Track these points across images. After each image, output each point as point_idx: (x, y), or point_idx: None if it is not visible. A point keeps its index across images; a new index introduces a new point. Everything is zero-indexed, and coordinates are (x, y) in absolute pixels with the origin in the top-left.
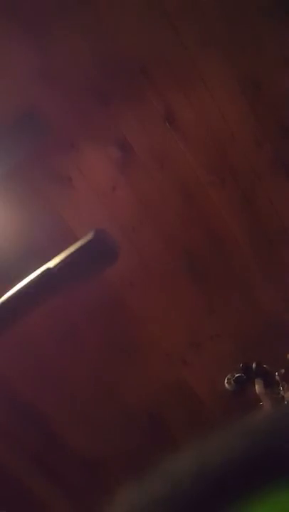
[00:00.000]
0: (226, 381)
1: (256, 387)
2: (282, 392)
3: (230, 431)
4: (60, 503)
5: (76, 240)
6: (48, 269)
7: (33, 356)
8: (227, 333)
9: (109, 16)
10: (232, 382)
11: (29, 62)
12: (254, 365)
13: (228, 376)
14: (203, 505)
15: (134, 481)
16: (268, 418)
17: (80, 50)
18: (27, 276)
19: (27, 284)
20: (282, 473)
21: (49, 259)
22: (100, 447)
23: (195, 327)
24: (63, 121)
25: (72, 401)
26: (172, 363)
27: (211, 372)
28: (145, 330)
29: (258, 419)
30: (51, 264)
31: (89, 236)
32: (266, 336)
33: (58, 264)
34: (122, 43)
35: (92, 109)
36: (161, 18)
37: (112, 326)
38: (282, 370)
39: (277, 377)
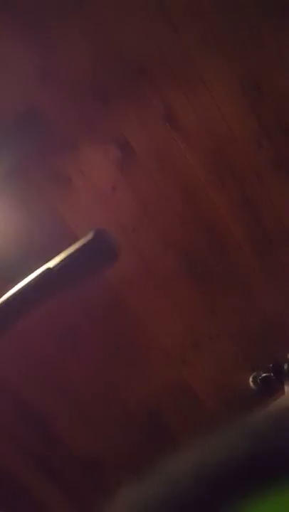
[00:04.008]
0: (250, 379)
1: (286, 388)
2: None
3: (230, 431)
4: (60, 503)
5: (76, 240)
6: (48, 269)
7: (32, 356)
8: (227, 333)
9: (109, 16)
10: (258, 381)
11: (29, 61)
12: (286, 366)
13: (254, 374)
14: (203, 505)
15: (134, 481)
16: (269, 418)
17: (80, 50)
18: (27, 276)
19: (27, 284)
20: (283, 473)
21: (49, 259)
22: (99, 447)
23: (195, 327)
24: (63, 121)
25: (72, 401)
26: (172, 363)
27: (210, 373)
28: (145, 330)
29: (258, 419)
30: (51, 264)
31: (89, 236)
32: (266, 336)
33: (58, 264)
34: (122, 43)
35: (92, 109)
36: (161, 17)
37: (112, 326)
38: None
39: None
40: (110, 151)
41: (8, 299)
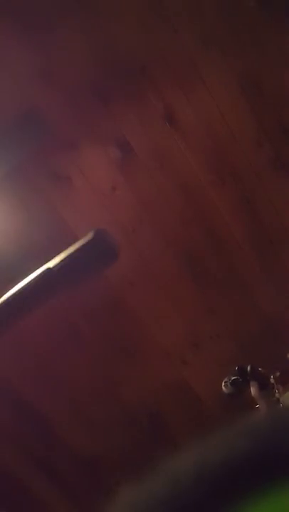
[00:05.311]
0: (222, 384)
1: (251, 389)
2: (277, 395)
3: (230, 431)
4: (60, 503)
5: (76, 240)
6: (48, 269)
7: (33, 356)
8: (227, 333)
9: (109, 16)
10: (228, 385)
11: (29, 62)
12: (249, 368)
13: (225, 379)
14: (203, 505)
15: (134, 481)
16: (268, 418)
17: (80, 50)
18: (27, 276)
19: (27, 284)
20: (283, 473)
21: (49, 259)
22: (100, 447)
23: (195, 327)
24: (63, 121)
25: (72, 401)
26: (172, 363)
27: (210, 373)
28: (145, 330)
29: (258, 418)
30: (51, 264)
31: (89, 236)
32: (266, 336)
33: (58, 264)
34: (122, 43)
35: (92, 109)
36: (161, 18)
37: (112, 326)
38: (278, 373)
39: (272, 380)
40: (110, 151)
41: (8, 299)
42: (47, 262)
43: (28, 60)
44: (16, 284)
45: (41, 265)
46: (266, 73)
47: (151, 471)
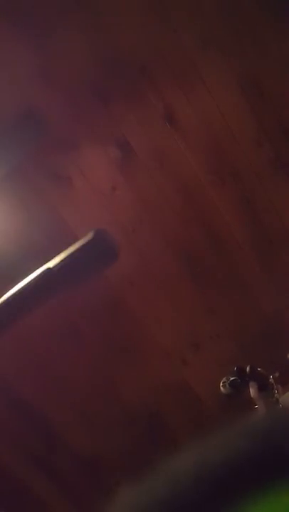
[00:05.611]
0: (221, 385)
1: (250, 390)
2: (276, 395)
3: (230, 431)
4: (60, 503)
5: (76, 240)
6: (48, 269)
7: (33, 356)
8: (227, 333)
9: (109, 16)
10: (227, 385)
11: (29, 62)
12: (248, 369)
13: (224, 380)
14: (203, 505)
15: (134, 481)
16: (268, 418)
17: (80, 50)
18: (27, 276)
19: (27, 284)
20: (282, 473)
21: (49, 259)
22: (99, 447)
23: (195, 327)
24: (63, 121)
25: (72, 401)
26: (172, 363)
27: (210, 373)
28: (145, 330)
29: (257, 419)
30: (51, 264)
31: (89, 236)
32: (266, 336)
33: (58, 264)
34: (122, 43)
35: (92, 109)
36: (161, 18)
37: (112, 326)
38: (277, 374)
39: (271, 380)
40: (110, 151)
41: (8, 299)
42: (47, 262)
43: (28, 60)
44: (16, 284)
45: (41, 265)
46: (266, 73)
47: (151, 471)
